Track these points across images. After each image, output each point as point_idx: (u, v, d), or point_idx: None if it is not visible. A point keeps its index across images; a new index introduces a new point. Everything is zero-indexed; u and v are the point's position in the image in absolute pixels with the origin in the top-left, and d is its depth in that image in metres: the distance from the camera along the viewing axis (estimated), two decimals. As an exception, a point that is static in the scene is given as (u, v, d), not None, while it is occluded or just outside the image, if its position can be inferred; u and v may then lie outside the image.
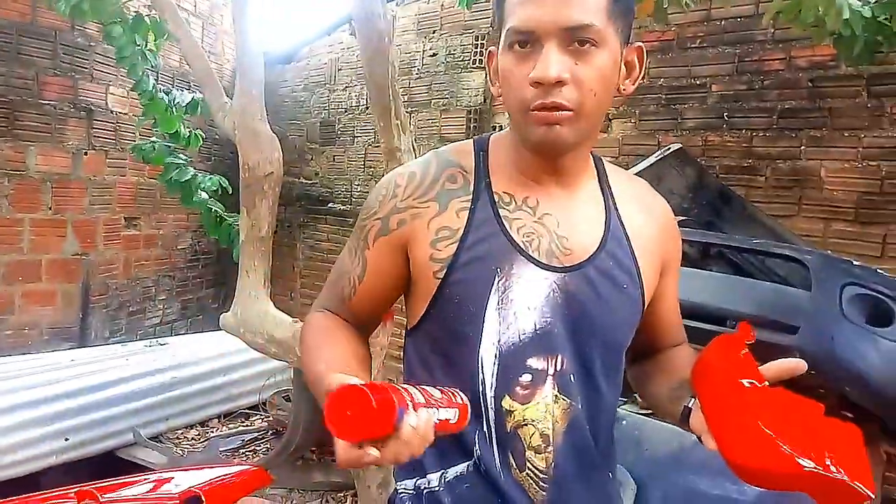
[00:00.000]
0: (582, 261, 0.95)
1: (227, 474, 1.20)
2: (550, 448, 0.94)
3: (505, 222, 0.93)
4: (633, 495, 2.00)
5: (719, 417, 0.85)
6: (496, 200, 0.95)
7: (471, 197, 0.95)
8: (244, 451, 3.55)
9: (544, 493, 0.94)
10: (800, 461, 0.75)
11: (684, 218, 2.70)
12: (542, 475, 0.94)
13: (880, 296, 2.00)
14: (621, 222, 1.01)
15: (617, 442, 2.08)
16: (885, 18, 2.20)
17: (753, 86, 3.09)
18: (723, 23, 3.15)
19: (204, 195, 3.48)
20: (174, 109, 3.57)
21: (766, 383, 0.84)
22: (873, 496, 0.75)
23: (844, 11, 1.92)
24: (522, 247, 0.93)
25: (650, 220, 1.05)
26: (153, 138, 3.64)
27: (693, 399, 0.91)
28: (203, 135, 3.84)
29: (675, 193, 2.95)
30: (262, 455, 3.40)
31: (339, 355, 0.94)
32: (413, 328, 1.01)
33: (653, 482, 2.01)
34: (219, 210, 3.48)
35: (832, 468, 0.75)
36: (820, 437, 0.78)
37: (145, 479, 1.21)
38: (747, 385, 0.84)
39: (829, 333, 1.95)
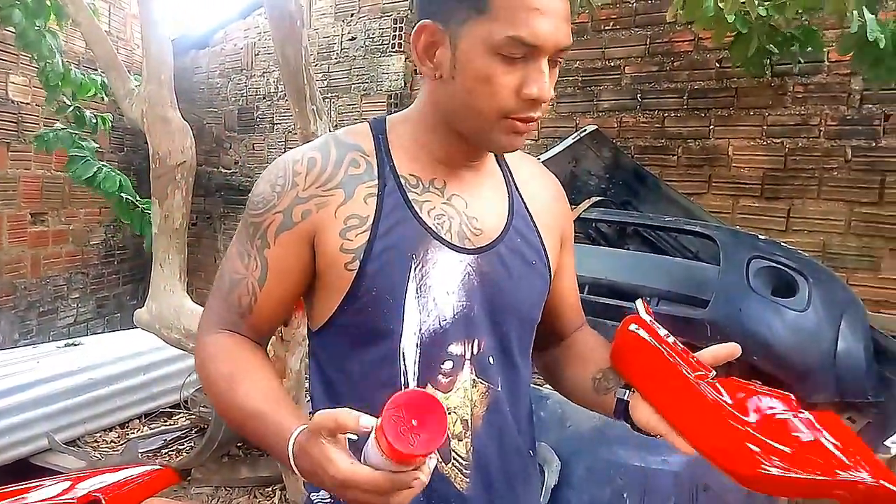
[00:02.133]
0: (492, 240, 0.94)
1: (131, 476, 1.15)
2: (469, 434, 0.92)
3: (415, 206, 0.90)
4: (557, 471, 2.03)
5: (689, 419, 0.83)
6: (403, 184, 0.91)
7: (376, 182, 0.90)
8: (167, 450, 3.43)
9: (468, 480, 0.92)
10: (844, 475, 0.73)
11: (602, 198, 2.77)
12: (464, 462, 0.92)
13: (784, 268, 2.09)
14: (522, 199, 1.00)
15: (542, 420, 2.13)
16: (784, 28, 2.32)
17: (664, 67, 3.17)
18: (634, 5, 3.22)
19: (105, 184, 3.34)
20: (79, 90, 3.41)
21: (714, 373, 0.84)
22: None
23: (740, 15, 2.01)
24: (435, 230, 0.90)
25: (546, 195, 1.05)
26: (57, 125, 3.46)
27: (628, 391, 0.91)
28: (112, 119, 3.69)
29: (593, 174, 3.01)
30: (186, 454, 3.31)
31: (268, 387, 0.88)
32: (323, 326, 0.94)
33: (577, 457, 2.05)
34: (130, 197, 3.35)
35: (863, 474, 0.73)
36: (823, 437, 0.77)
37: (47, 484, 1.15)
38: (705, 382, 0.83)
39: (737, 305, 2.02)
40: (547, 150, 3.03)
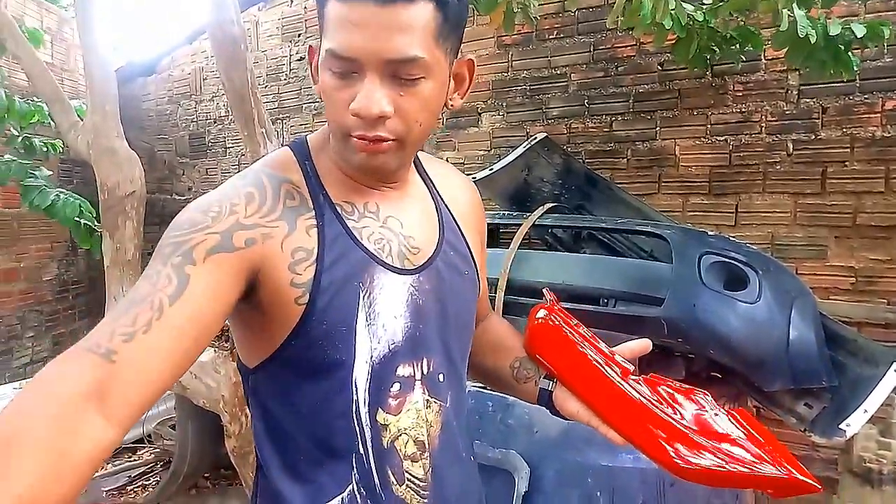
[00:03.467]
0: (429, 257, 0.94)
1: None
2: (427, 454, 0.92)
3: (355, 233, 0.88)
4: (527, 478, 2.04)
5: (616, 414, 0.89)
6: (340, 212, 0.89)
7: (314, 213, 0.87)
8: (132, 486, 3.37)
9: (425, 500, 0.92)
10: (762, 469, 0.81)
11: (556, 204, 2.80)
12: (421, 483, 0.91)
13: (734, 262, 2.14)
14: (448, 209, 1.02)
15: (510, 427, 2.14)
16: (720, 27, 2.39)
17: (609, 73, 3.23)
18: (577, 13, 3.28)
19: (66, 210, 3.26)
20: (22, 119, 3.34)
21: (634, 368, 0.92)
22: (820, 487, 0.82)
23: (675, 17, 2.07)
24: (377, 255, 0.89)
25: (465, 200, 1.07)
26: (6, 156, 3.39)
27: (551, 381, 0.96)
28: (61, 146, 3.62)
29: (546, 181, 3.05)
30: (152, 489, 3.24)
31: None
32: (264, 362, 0.89)
33: (546, 462, 2.06)
34: (89, 222, 3.28)
35: (780, 470, 0.82)
36: (741, 431, 0.86)
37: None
38: (628, 379, 0.90)
39: (691, 301, 2.07)
40: (499, 160, 3.07)
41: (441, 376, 0.94)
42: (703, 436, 0.84)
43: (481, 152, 3.64)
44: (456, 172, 1.12)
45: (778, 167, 2.84)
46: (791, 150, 2.81)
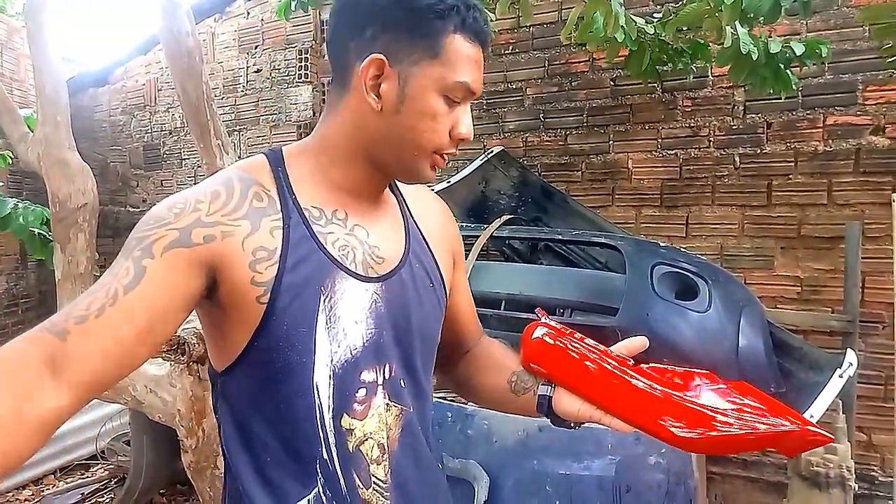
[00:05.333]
0: (394, 267, 0.97)
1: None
2: (387, 456, 0.94)
3: (320, 238, 0.91)
4: (487, 487, 2.06)
5: (624, 403, 0.92)
6: (307, 217, 0.91)
7: (280, 216, 0.90)
8: (86, 504, 3.29)
9: (389, 502, 0.94)
10: (775, 425, 0.85)
11: (513, 216, 2.85)
12: (383, 485, 0.94)
13: (685, 272, 2.20)
14: (417, 225, 1.05)
15: (470, 438, 2.16)
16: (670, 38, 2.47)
17: (563, 87, 3.30)
18: (531, 29, 3.35)
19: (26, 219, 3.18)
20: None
21: (632, 361, 0.96)
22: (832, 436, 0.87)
23: (626, 31, 2.13)
24: (340, 261, 0.91)
25: (435, 217, 1.11)
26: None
27: (549, 387, 1.00)
28: (11, 160, 3.53)
29: (503, 193, 3.09)
30: (106, 506, 3.18)
31: None
32: (231, 365, 0.91)
33: (505, 471, 2.08)
34: (43, 233, 3.20)
35: (787, 424, 0.85)
36: (746, 400, 0.90)
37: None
38: (628, 371, 0.93)
39: (644, 311, 2.12)
40: (457, 173, 3.10)
41: (402, 382, 0.97)
42: (708, 408, 0.87)
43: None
44: (432, 195, 1.16)
45: (726, 180, 2.94)
46: (738, 163, 2.91)
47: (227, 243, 0.85)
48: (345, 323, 0.91)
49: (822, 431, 0.85)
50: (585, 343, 0.99)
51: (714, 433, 0.85)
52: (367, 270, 0.94)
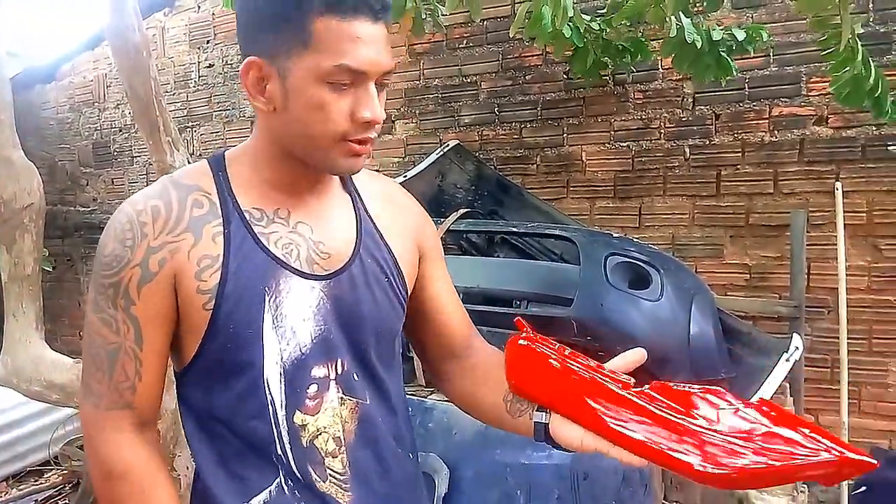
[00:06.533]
0: (343, 263, 0.97)
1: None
2: (343, 449, 0.96)
3: (262, 239, 0.92)
4: (447, 479, 2.07)
5: (635, 433, 0.79)
6: (248, 219, 0.93)
7: (221, 220, 0.91)
8: (40, 511, 3.22)
9: (350, 493, 0.95)
10: (804, 456, 0.72)
11: (469, 210, 2.86)
12: (342, 477, 0.95)
13: (637, 262, 2.24)
14: (371, 218, 1.04)
15: (430, 431, 2.18)
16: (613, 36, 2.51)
17: (517, 81, 3.32)
18: (485, 23, 3.36)
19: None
20: None
21: (633, 381, 0.84)
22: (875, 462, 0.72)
23: (573, 27, 2.16)
24: (284, 260, 0.92)
25: (397, 212, 1.09)
26: None
27: (544, 413, 0.90)
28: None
29: (459, 187, 3.11)
30: (61, 512, 3.11)
31: None
32: (187, 367, 0.94)
33: (465, 463, 2.10)
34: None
35: (828, 452, 0.72)
36: (773, 425, 0.77)
37: None
38: (635, 393, 0.81)
39: (598, 301, 2.15)
40: (413, 167, 3.11)
41: (355, 375, 0.97)
42: (728, 435, 0.76)
43: (396, 159, 3.67)
44: (393, 187, 1.14)
45: (677, 171, 3.00)
46: (688, 154, 2.97)
47: (177, 259, 0.89)
48: (292, 321, 0.92)
49: (865, 458, 0.71)
50: (578, 359, 0.87)
51: (745, 464, 0.73)
52: (313, 267, 0.95)
